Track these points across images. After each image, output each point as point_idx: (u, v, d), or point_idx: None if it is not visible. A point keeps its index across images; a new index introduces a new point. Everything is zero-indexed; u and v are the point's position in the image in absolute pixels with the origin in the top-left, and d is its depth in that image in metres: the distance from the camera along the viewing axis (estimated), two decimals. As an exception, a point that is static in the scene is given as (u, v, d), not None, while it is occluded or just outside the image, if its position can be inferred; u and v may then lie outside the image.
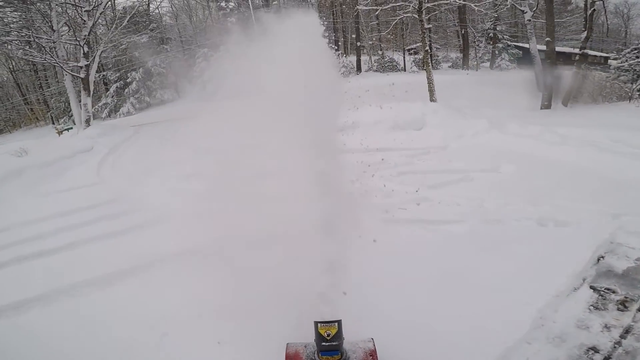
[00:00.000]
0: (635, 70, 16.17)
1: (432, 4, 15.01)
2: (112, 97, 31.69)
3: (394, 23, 15.58)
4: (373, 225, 5.23)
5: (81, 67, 17.93)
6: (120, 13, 28.05)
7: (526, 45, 33.25)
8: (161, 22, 37.25)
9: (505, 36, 30.09)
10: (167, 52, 32.65)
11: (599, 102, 16.22)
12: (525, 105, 15.16)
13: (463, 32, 27.44)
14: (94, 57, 18.39)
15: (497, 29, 29.21)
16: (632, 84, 16.17)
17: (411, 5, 14.15)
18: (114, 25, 21.29)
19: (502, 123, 10.40)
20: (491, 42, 29.43)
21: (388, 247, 4.59)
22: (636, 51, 16.40)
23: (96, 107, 30.57)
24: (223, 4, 35.47)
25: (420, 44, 30.97)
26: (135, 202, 7.64)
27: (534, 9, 18.07)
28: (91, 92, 18.47)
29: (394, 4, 15.30)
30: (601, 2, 15.71)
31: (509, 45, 30.00)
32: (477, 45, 29.23)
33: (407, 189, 6.70)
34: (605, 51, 35.20)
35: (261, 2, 35.31)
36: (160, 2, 38.42)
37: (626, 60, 16.42)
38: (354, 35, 30.75)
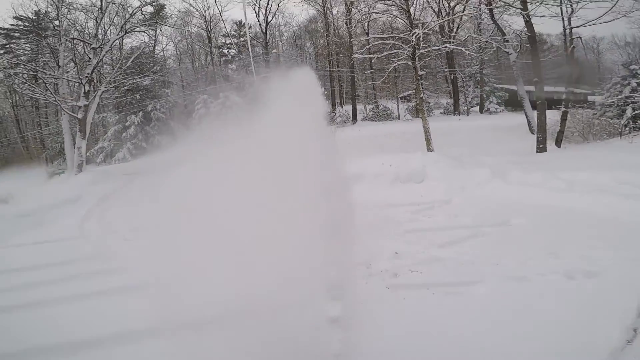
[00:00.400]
0: (619, 105, 16.32)
1: (424, 50, 15.39)
2: (110, 140, 31.11)
3: (388, 71, 15.85)
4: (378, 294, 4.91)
5: (80, 107, 17.65)
6: (127, 53, 28.34)
7: (512, 87, 34.47)
8: (165, 65, 37.61)
9: (491, 79, 30.98)
10: (167, 96, 32.71)
11: (590, 140, 16.31)
12: (521, 149, 15.19)
13: (452, 77, 28.21)
14: (94, 97, 18.22)
15: (483, 72, 30.11)
16: (617, 119, 16.31)
17: (405, 53, 14.48)
18: (119, 65, 21.42)
19: (503, 171, 10.27)
20: (479, 86, 30.23)
21: (397, 322, 4.27)
22: (617, 85, 16.65)
23: (92, 150, 30.09)
24: (225, 50, 36.48)
25: (413, 91, 32.20)
26: (117, 261, 7.21)
27: (518, 50, 18.63)
28: (87, 135, 18.17)
29: (389, 52, 15.66)
30: (579, 38, 16.10)
31: (495, 88, 30.83)
32: (466, 89, 29.98)
33: (414, 248, 6.37)
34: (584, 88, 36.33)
35: (261, 50, 36.23)
36: (166, 44, 39.38)
37: (609, 96, 16.63)
38: (349, 86, 31.45)
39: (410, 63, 15.21)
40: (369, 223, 7.75)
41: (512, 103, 32.16)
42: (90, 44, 17.54)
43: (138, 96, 30.50)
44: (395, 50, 15.29)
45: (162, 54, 37.59)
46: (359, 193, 8.72)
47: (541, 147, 13.86)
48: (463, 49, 16.54)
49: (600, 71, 43.41)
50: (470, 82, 30.12)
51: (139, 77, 27.42)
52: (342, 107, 28.61)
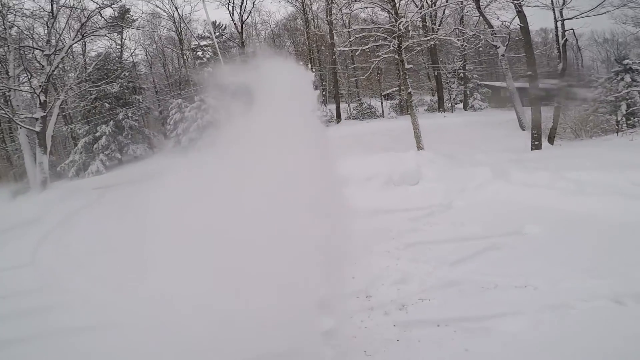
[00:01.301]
0: (612, 101, 15.65)
1: (412, 41, 14.36)
2: (80, 153, 29.14)
3: (373, 66, 14.77)
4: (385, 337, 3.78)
5: (37, 119, 15.92)
6: (92, 60, 26.59)
7: (495, 84, 33.92)
8: (135, 70, 35.90)
9: (474, 75, 30.29)
10: (139, 103, 30.96)
11: (582, 137, 15.59)
12: (514, 146, 14.29)
13: (436, 73, 27.38)
14: (51, 108, 16.55)
15: (466, 68, 29.39)
16: (610, 115, 15.65)
17: (391, 44, 13.42)
18: (77, 73, 19.88)
19: (504, 171, 9.27)
20: (462, 83, 29.50)
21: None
22: (612, 81, 15.96)
23: (62, 165, 28.33)
24: (200, 53, 34.85)
25: (397, 88, 31.23)
26: (69, 294, 5.93)
27: (506, 43, 17.80)
28: (48, 149, 16.49)
29: (374, 44, 14.58)
30: (571, 30, 15.33)
31: (479, 85, 30.15)
32: (450, 86, 29.21)
33: (422, 269, 5.25)
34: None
35: (237, 51, 34.79)
36: (134, 49, 37.48)
37: (604, 92, 15.89)
38: (332, 85, 30.37)
39: (396, 56, 14.17)
40: (363, 235, 6.62)
41: (496, 100, 31.63)
42: (43, 51, 15.90)
43: (107, 104, 28.76)
44: (381, 42, 14.21)
45: (130, 59, 35.69)
46: (348, 198, 7.64)
47: (536, 144, 12.99)
48: (454, 39, 15.53)
49: (580, 68, 43.52)
50: (454, 78, 29.33)
51: (105, 84, 25.80)
52: (325, 105, 27.49)
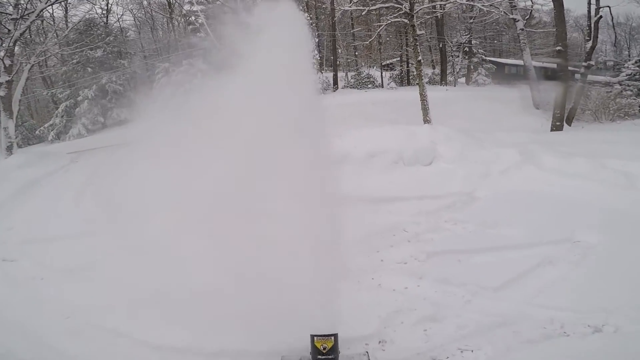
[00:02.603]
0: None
1: (426, 5, 12.29)
2: (62, 117, 27.29)
3: (380, 28, 12.75)
4: None
5: (1, 84, 14.12)
6: (75, 25, 24.46)
7: (499, 60, 31.73)
8: (122, 35, 33.48)
9: (479, 50, 28.17)
10: (124, 67, 28.87)
11: (602, 120, 13.93)
12: (530, 125, 12.58)
13: (441, 45, 25.14)
14: (16, 72, 14.59)
15: (472, 42, 27.21)
16: (635, 98, 13.96)
17: (403, 6, 11.34)
18: (56, 38, 17.79)
19: (533, 154, 7.58)
20: (467, 57, 27.40)
21: None
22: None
23: (41, 128, 26.58)
24: (192, 18, 32.22)
25: (398, 59, 28.85)
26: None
27: (527, 17, 15.77)
28: (15, 114, 14.71)
29: (383, 4, 12.46)
30: (608, 7, 13.29)
31: (483, 60, 28.07)
32: (454, 60, 27.08)
33: (454, 294, 3.63)
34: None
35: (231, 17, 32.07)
36: (121, 15, 34.62)
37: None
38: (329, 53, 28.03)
39: (405, 21, 12.12)
40: (368, 235, 4.97)
41: (499, 76, 29.66)
42: (10, 15, 13.86)
43: (90, 69, 26.89)
44: (391, 4, 12.07)
45: (117, 24, 33.19)
46: (347, 181, 5.95)
47: (557, 125, 11.29)
48: (479, 5, 13.40)
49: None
50: (458, 52, 27.15)
51: (89, 49, 23.86)
52: (322, 73, 25.25)
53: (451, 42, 27.39)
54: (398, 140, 7.39)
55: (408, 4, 11.53)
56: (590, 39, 13.24)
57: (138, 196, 4.19)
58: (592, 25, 13.14)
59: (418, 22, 12.44)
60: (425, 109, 11.81)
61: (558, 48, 11.31)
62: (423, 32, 16.93)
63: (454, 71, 26.69)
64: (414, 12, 11.69)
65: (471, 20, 26.76)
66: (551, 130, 11.42)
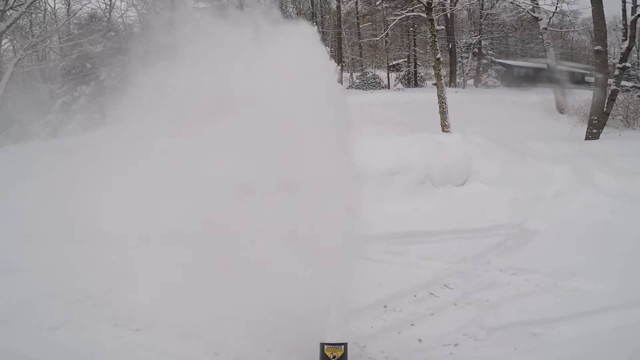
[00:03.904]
0: None
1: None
2: (57, 113, 25.90)
3: (393, 23, 11.15)
4: None
5: None
6: (76, 20, 23.44)
7: (508, 62, 29.89)
8: (127, 31, 32.17)
9: (489, 52, 26.48)
10: (124, 63, 27.26)
11: (635, 127, 12.34)
12: (559, 132, 10.99)
13: (450, 46, 23.44)
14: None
15: (482, 43, 25.52)
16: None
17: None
18: (41, 31, 16.39)
19: (588, 172, 5.95)
20: (476, 58, 25.74)
21: None
22: None
23: (36, 124, 25.13)
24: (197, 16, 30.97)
25: (405, 59, 27.11)
26: None
27: (552, 15, 14.08)
28: None
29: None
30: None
31: (493, 62, 26.38)
32: (463, 61, 25.42)
33: None
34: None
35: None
36: (125, 10, 33.17)
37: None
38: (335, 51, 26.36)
39: (423, 15, 10.53)
40: (391, 297, 3.40)
41: (508, 79, 28.00)
42: None
43: (89, 64, 25.58)
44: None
45: (120, 20, 31.95)
46: (362, 207, 4.39)
47: (594, 133, 9.68)
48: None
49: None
50: (468, 53, 25.47)
51: (89, 43, 22.74)
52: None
53: (460, 43, 25.75)
54: (424, 154, 5.76)
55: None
56: (626, 39, 11.57)
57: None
58: (629, 25, 11.50)
59: (438, 16, 10.83)
60: (443, 112, 10.22)
61: (597, 48, 9.67)
62: (442, 27, 15.28)
63: (462, 73, 25.03)
64: (432, 5, 10.12)
65: (482, 20, 25.15)
66: (586, 139, 9.80)
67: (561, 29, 21.29)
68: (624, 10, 11.94)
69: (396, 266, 3.91)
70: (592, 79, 14.97)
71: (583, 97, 13.17)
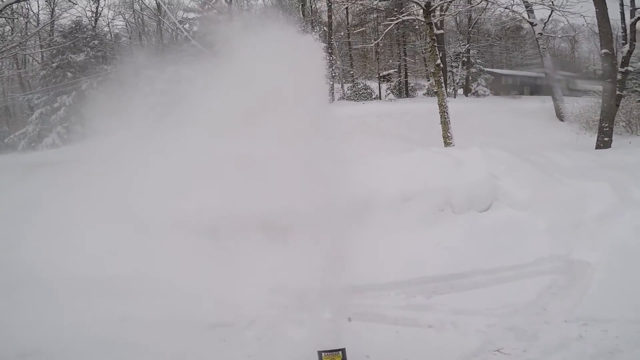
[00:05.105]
0: None
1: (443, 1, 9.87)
2: (36, 125, 24.41)
3: (388, 28, 10.34)
4: None
5: None
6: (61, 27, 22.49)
7: (496, 70, 29.53)
8: (113, 40, 31.02)
9: (477, 61, 26.12)
10: (106, 72, 25.99)
11: (638, 133, 11.75)
12: (563, 141, 10.28)
13: (440, 55, 22.79)
14: None
15: (470, 52, 25.11)
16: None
17: (418, 3, 8.93)
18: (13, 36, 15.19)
19: (625, 188, 5.08)
20: (465, 67, 25.32)
21: None
22: None
23: (11, 136, 23.77)
24: (186, 25, 30.09)
25: (395, 70, 26.40)
26: None
27: (546, 21, 13.47)
28: None
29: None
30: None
31: (481, 70, 25.99)
32: (453, 70, 24.95)
33: None
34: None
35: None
36: (112, 18, 31.95)
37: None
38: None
39: (421, 19, 9.72)
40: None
41: (497, 87, 27.65)
42: None
43: (70, 73, 24.33)
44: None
45: (107, 28, 30.68)
46: (372, 245, 3.60)
47: (605, 141, 8.93)
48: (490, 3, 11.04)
49: (575, 60, 39.35)
50: (457, 62, 25.02)
51: (71, 52, 21.74)
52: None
53: (449, 52, 25.28)
54: (440, 173, 4.78)
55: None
56: (626, 42, 10.99)
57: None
58: (628, 28, 10.95)
59: (436, 20, 10.04)
60: (445, 123, 9.36)
61: (604, 51, 8.98)
62: (442, 31, 14.55)
63: (453, 82, 24.48)
64: (431, 8, 9.32)
65: (470, 29, 24.75)
66: (597, 147, 9.05)
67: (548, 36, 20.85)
68: (622, 14, 11.42)
69: (424, 329, 2.90)
70: (586, 86, 14.50)
71: (581, 104, 12.59)
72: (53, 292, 3.13)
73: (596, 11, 9.30)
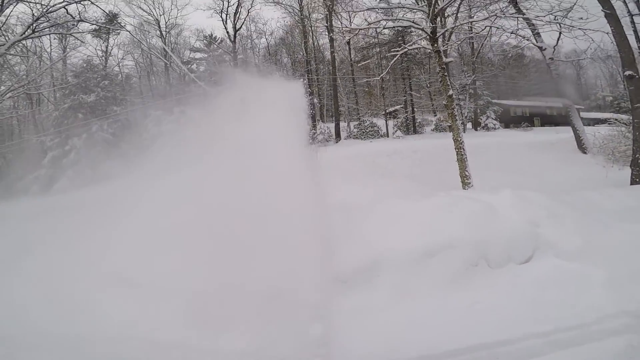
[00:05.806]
0: None
1: (450, 27, 9.54)
2: (47, 168, 24.50)
3: (395, 58, 10.01)
4: None
5: None
6: (73, 66, 23.11)
7: (503, 102, 28.98)
8: (123, 80, 31.82)
9: (484, 92, 25.80)
10: (116, 114, 26.41)
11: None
12: (591, 176, 9.50)
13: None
14: None
15: (477, 84, 24.85)
16: None
17: (423, 30, 8.64)
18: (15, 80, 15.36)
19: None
20: (472, 100, 24.97)
21: None
22: None
23: (23, 180, 23.77)
24: (194, 66, 30.89)
25: (402, 105, 26.16)
26: None
27: (555, 45, 12.92)
28: None
29: (398, 26, 9.81)
30: None
31: (490, 102, 25.63)
32: (460, 103, 24.59)
33: None
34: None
35: (230, 64, 30.26)
36: (122, 58, 33.05)
37: None
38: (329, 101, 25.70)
39: (428, 48, 9.44)
40: None
41: (506, 119, 27.19)
42: None
43: (81, 114, 24.63)
44: (408, 23, 9.30)
45: (117, 68, 31.61)
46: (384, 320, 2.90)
47: (641, 176, 8.16)
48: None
49: (582, 86, 39.03)
50: (464, 95, 24.73)
51: (82, 92, 22.13)
52: (323, 123, 22.63)
53: (456, 85, 25.16)
54: (470, 223, 4.12)
55: (430, 23, 8.82)
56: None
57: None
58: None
59: (445, 47, 9.69)
60: (462, 160, 8.75)
61: (628, 73, 8.37)
62: (452, 59, 14.27)
63: (461, 115, 24.10)
64: (437, 35, 8.99)
65: (474, 59, 24.61)
66: (632, 183, 8.26)
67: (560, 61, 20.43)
68: (636, 32, 11.00)
69: None
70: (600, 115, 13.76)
71: (603, 133, 11.91)
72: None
73: (612, 30, 8.81)
